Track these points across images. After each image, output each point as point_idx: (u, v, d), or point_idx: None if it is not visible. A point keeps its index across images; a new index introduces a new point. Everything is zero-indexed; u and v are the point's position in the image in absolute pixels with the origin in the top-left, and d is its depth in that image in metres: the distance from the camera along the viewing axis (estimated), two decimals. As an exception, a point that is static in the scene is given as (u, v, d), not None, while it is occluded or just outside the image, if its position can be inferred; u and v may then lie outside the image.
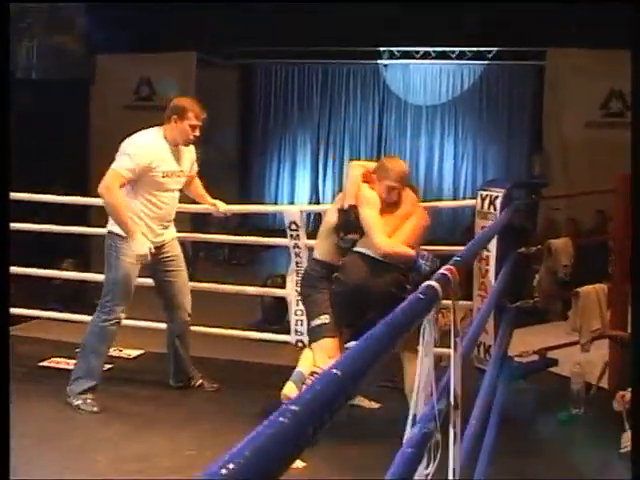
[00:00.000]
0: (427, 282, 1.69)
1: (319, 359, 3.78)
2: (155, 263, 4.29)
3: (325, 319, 3.81)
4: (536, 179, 9.74)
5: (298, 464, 3.39)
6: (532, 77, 12.24)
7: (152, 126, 4.25)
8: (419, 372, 1.64)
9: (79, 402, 4.14)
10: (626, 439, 3.65)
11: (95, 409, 4.13)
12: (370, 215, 3.83)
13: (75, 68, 10.80)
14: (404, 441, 1.64)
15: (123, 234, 4.09)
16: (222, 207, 4.76)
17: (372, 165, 4.06)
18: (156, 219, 4.23)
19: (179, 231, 6.15)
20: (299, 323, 4.74)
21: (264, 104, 14.41)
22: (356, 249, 3.86)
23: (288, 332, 4.91)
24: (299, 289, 4.30)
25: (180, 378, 4.53)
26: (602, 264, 6.88)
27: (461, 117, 13.34)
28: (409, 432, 1.63)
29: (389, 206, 3.91)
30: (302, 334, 4.73)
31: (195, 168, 4.50)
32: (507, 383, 4.00)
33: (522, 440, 3.93)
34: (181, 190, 4.40)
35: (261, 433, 0.87)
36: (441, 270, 1.86)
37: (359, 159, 14.36)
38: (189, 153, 4.36)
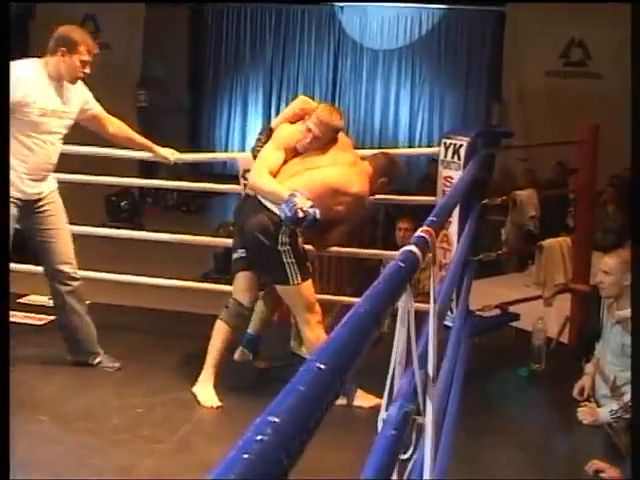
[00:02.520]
0: (406, 247, 1.52)
1: (235, 289, 3.84)
2: (28, 221, 3.75)
3: (242, 252, 3.79)
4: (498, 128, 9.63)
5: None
6: (492, 24, 12.08)
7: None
8: (396, 344, 1.48)
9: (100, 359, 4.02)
10: (582, 412, 3.61)
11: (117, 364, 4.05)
12: (266, 150, 3.75)
13: (14, 3, 10.30)
14: (380, 422, 1.48)
15: None
16: (170, 155, 4.40)
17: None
18: (29, 166, 3.65)
19: (125, 176, 5.90)
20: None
21: (215, 46, 14.00)
22: None
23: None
24: None
25: (78, 353, 4.02)
26: (561, 217, 6.85)
27: (418, 63, 13.13)
28: (385, 411, 1.47)
29: (307, 151, 3.74)
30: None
31: (97, 107, 3.93)
32: (468, 338, 3.90)
33: (482, 396, 3.85)
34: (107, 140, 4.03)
35: (234, 459, 0.67)
36: (418, 232, 1.70)
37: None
38: (79, 92, 3.81)
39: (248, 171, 4.41)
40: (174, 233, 5.10)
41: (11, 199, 3.54)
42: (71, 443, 3.22)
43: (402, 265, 1.43)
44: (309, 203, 3.48)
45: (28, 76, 3.57)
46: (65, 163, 4.07)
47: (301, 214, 3.45)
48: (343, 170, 3.73)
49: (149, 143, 4.29)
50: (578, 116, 6.91)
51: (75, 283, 3.92)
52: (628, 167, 10.34)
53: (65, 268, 3.86)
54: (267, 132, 3.86)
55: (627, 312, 3.51)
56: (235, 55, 13.98)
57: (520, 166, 9.63)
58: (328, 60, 13.60)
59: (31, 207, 3.73)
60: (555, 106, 10.12)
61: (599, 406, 3.65)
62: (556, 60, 10.68)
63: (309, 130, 3.70)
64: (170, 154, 4.39)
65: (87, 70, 3.66)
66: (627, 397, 3.41)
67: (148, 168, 8.93)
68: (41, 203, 3.77)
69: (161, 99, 12.60)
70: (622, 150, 10.43)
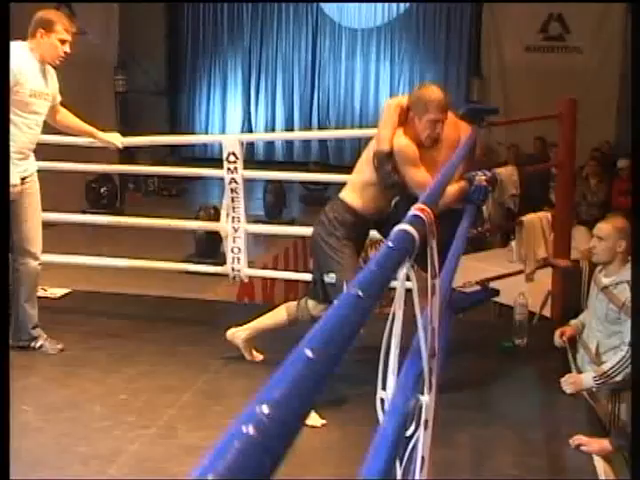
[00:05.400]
0: (400, 226, 1.46)
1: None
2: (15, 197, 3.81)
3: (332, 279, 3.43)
4: (480, 104, 9.61)
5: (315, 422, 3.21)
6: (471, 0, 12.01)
7: None
8: (389, 328, 1.45)
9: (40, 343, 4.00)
10: (565, 382, 3.62)
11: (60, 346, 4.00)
12: (412, 175, 3.34)
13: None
14: (379, 401, 1.46)
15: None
16: (117, 140, 4.32)
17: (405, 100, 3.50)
18: (17, 145, 3.75)
19: (107, 162, 5.86)
20: (236, 260, 4.55)
21: (192, 28, 13.89)
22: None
23: (222, 265, 4.72)
24: (315, 232, 3.64)
25: (20, 336, 4.02)
26: (544, 192, 6.86)
27: (397, 40, 13.08)
28: (382, 395, 1.45)
29: (433, 142, 3.40)
30: (239, 271, 4.56)
31: (59, 97, 4.02)
32: (450, 314, 3.90)
33: (464, 371, 3.86)
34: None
35: (222, 452, 0.65)
36: (413, 210, 1.64)
37: (292, 84, 14.14)
38: (54, 78, 3.93)
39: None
40: (156, 217, 5.08)
41: None
42: (55, 432, 3.21)
43: (395, 246, 1.34)
44: (481, 175, 3.47)
45: (22, 57, 3.70)
46: (45, 151, 4.07)
47: (488, 185, 3.45)
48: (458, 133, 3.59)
49: (94, 130, 4.27)
50: (558, 90, 6.90)
51: (35, 263, 3.96)
52: (608, 140, 10.42)
53: (31, 248, 3.93)
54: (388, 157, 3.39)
55: (613, 279, 3.55)
56: (213, 37, 13.88)
57: (503, 141, 9.65)
58: (307, 40, 13.52)
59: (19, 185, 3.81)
60: (535, 81, 10.11)
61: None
62: (535, 35, 10.67)
63: (436, 121, 3.36)
64: (116, 139, 4.34)
65: (67, 49, 3.77)
66: (607, 365, 3.44)
67: (129, 153, 8.87)
68: (25, 184, 3.85)
69: (139, 83, 12.50)
70: (603, 123, 10.51)
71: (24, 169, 3.85)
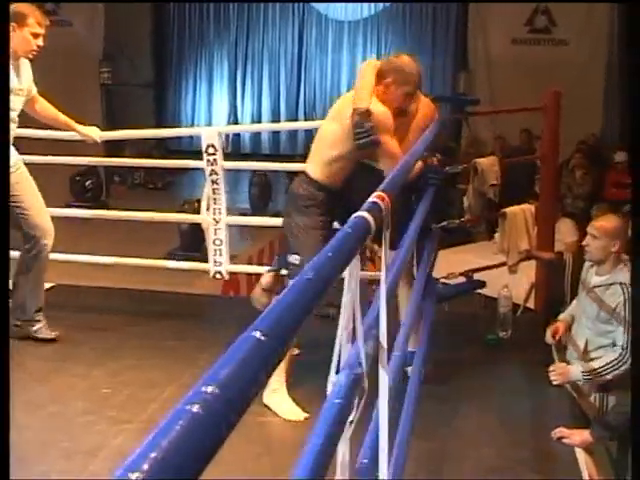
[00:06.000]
0: (357, 213, 1.49)
1: None
2: None
3: (295, 260, 3.37)
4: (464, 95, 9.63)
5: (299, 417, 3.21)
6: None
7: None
8: (343, 312, 1.46)
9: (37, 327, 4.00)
10: (554, 372, 3.62)
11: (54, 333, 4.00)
12: (390, 146, 3.28)
13: None
14: (330, 385, 1.47)
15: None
16: (95, 134, 4.27)
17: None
18: None
19: (91, 155, 5.80)
20: (218, 253, 4.53)
21: (179, 21, 13.81)
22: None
23: (206, 260, 4.70)
24: (285, 210, 3.60)
25: (18, 318, 4.02)
26: (529, 184, 6.87)
27: (384, 32, 13.06)
28: (334, 379, 1.46)
29: (401, 114, 3.34)
30: (220, 264, 4.54)
31: (34, 88, 3.99)
32: (434, 306, 3.91)
33: (448, 363, 3.87)
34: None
35: (168, 429, 0.66)
36: (372, 197, 1.65)
37: (279, 76, 14.10)
38: (28, 71, 3.90)
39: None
40: (141, 210, 5.05)
41: None
42: (38, 427, 3.20)
43: (351, 232, 1.38)
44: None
45: None
46: (30, 144, 4.05)
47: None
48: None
49: (72, 123, 4.21)
50: (544, 83, 6.90)
51: (44, 244, 3.97)
52: (594, 132, 10.44)
53: (36, 232, 3.94)
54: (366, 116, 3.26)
55: (606, 279, 3.51)
56: (199, 29, 13.81)
57: (489, 133, 9.67)
58: (293, 32, 13.48)
59: None
60: (521, 73, 10.12)
61: None
62: (521, 27, 10.68)
63: (411, 95, 3.30)
64: (94, 133, 4.28)
65: (40, 42, 3.72)
66: (597, 363, 3.43)
67: (116, 146, 8.84)
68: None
69: (125, 76, 12.44)
70: (589, 115, 10.53)
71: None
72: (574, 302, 3.85)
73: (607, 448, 3.26)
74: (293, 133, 13.53)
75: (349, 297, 1.42)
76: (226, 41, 13.77)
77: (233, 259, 4.77)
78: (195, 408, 0.69)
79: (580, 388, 3.60)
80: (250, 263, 6.27)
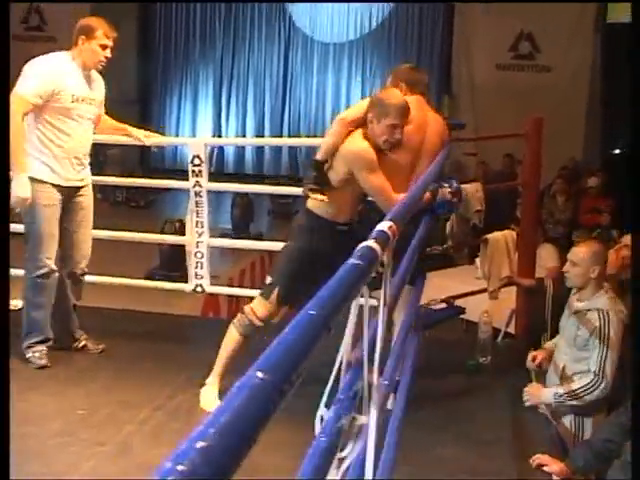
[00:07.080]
0: (364, 243, 1.43)
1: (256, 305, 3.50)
2: (67, 205, 3.99)
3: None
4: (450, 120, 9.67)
5: None
6: (442, 17, 12.11)
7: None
8: (345, 342, 1.42)
9: (29, 355, 3.98)
10: (526, 392, 3.61)
11: (43, 362, 3.95)
12: (371, 181, 3.24)
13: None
14: (318, 418, 1.44)
15: (42, 178, 3.84)
16: (143, 137, 4.49)
17: (357, 112, 3.35)
18: (67, 150, 3.90)
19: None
20: (199, 266, 4.50)
21: (164, 39, 13.84)
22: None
23: (186, 280, 4.65)
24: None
25: (62, 338, 4.15)
26: (511, 209, 6.88)
27: (369, 56, 13.14)
28: (324, 413, 1.43)
29: (392, 147, 3.28)
30: (202, 277, 4.50)
31: (102, 105, 4.21)
32: (420, 334, 3.88)
33: (428, 390, 3.85)
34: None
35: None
36: (379, 227, 1.60)
37: (264, 96, 14.12)
38: (100, 84, 4.11)
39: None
40: (123, 229, 5.01)
41: (53, 185, 3.85)
42: (10, 448, 3.13)
43: (359, 263, 1.31)
44: (446, 187, 3.50)
45: (58, 66, 3.86)
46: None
47: (452, 198, 3.48)
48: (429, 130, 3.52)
49: (128, 127, 4.49)
50: (527, 109, 6.95)
51: (79, 272, 4.14)
52: (573, 156, 10.51)
53: (77, 261, 4.11)
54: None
55: (585, 304, 3.51)
56: (185, 48, 13.84)
57: (472, 159, 9.71)
58: (279, 53, 13.52)
59: (72, 193, 3.97)
60: (505, 98, 10.20)
61: None
62: (505, 53, 10.77)
63: (395, 126, 3.23)
64: (143, 135, 4.49)
65: (107, 54, 3.97)
66: (575, 385, 3.42)
67: (98, 163, 8.78)
68: (80, 192, 4.02)
69: (110, 92, 12.41)
70: (571, 141, 10.61)
71: (81, 178, 4.00)
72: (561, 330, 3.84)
73: (586, 477, 3.24)
74: (277, 154, 13.53)
75: (352, 326, 1.38)
76: (211, 60, 13.79)
77: (214, 279, 4.73)
78: (182, 467, 0.65)
79: (556, 413, 3.59)
80: (231, 285, 6.23)
